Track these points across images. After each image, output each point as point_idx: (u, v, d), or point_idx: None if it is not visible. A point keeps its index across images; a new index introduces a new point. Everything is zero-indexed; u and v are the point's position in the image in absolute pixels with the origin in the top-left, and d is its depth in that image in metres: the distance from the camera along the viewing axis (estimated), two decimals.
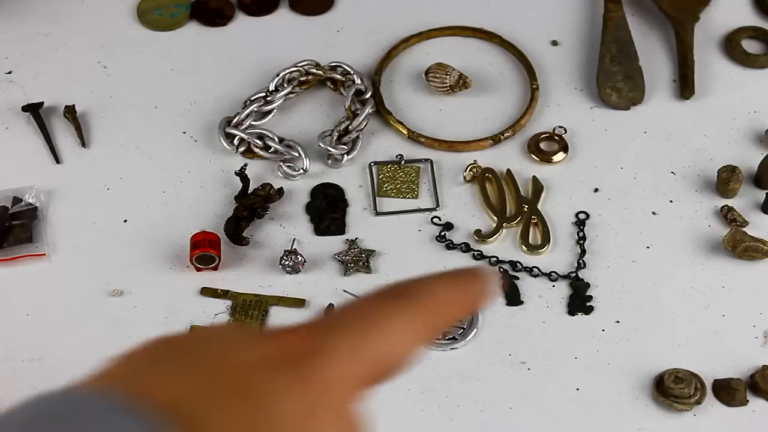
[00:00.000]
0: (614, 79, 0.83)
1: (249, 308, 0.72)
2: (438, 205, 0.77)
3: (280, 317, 0.72)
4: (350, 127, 0.80)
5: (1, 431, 0.31)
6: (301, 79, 0.83)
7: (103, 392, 0.32)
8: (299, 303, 0.72)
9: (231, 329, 0.36)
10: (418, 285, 0.40)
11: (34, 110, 0.81)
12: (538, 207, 0.77)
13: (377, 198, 0.78)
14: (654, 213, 0.77)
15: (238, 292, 0.73)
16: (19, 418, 0.31)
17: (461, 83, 0.82)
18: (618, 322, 0.72)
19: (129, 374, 0.33)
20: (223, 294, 0.72)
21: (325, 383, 0.36)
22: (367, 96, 0.82)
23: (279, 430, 0.33)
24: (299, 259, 0.73)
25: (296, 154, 0.79)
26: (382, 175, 0.79)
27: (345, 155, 0.79)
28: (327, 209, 0.77)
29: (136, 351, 0.33)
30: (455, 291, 0.41)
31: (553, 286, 0.73)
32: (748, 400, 0.68)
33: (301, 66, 0.82)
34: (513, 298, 0.73)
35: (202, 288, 0.73)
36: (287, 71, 0.82)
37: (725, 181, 0.76)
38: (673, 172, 0.79)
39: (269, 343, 0.35)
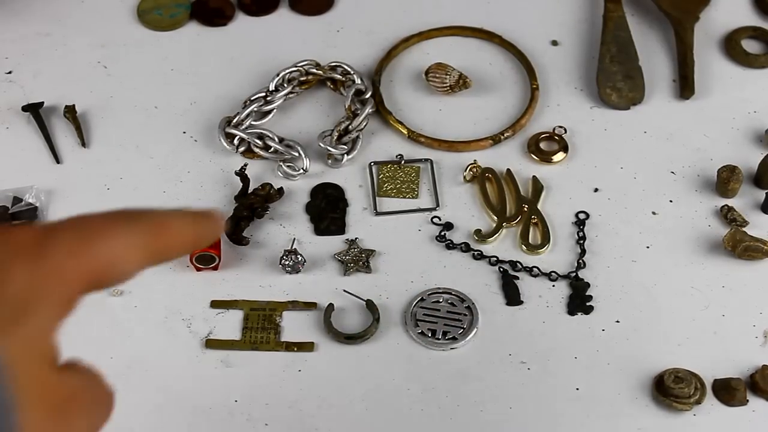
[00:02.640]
0: (614, 79, 0.83)
1: (259, 318, 0.72)
2: (438, 205, 0.77)
3: (289, 320, 0.72)
4: (350, 127, 0.80)
5: None
6: (301, 79, 0.83)
7: None
8: (311, 306, 0.72)
9: None
10: (152, 213, 0.47)
11: (34, 110, 0.81)
12: (538, 207, 0.77)
13: (377, 198, 0.78)
14: (654, 213, 0.77)
15: (247, 300, 0.72)
16: None
17: (461, 83, 0.82)
18: (618, 321, 0.72)
19: None
20: (234, 303, 0.72)
21: (49, 271, 0.42)
22: (367, 96, 0.82)
23: (6, 297, 0.40)
24: (299, 259, 0.73)
25: (296, 154, 0.79)
26: (382, 175, 0.79)
27: (345, 155, 0.79)
28: (327, 209, 0.77)
29: None
30: (185, 225, 0.48)
31: (553, 285, 0.73)
32: (748, 400, 0.68)
33: (301, 66, 0.83)
34: (513, 297, 0.73)
35: (212, 301, 0.72)
36: (287, 71, 0.82)
37: (725, 180, 0.76)
38: (673, 172, 0.79)
39: (12, 231, 0.42)
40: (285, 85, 0.82)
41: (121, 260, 0.46)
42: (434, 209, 0.77)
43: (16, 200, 0.77)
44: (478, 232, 0.75)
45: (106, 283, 0.46)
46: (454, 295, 0.72)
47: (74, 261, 0.44)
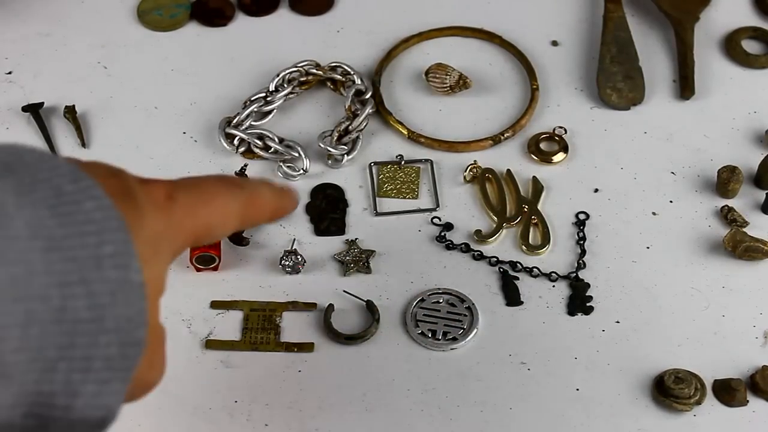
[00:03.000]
0: (614, 80, 0.83)
1: (259, 319, 0.72)
2: (438, 206, 0.77)
3: (289, 320, 0.72)
4: (350, 127, 0.80)
5: None
6: (301, 79, 0.83)
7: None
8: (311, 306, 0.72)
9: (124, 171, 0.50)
10: (246, 182, 0.56)
11: (34, 110, 0.81)
12: (538, 207, 0.77)
13: (377, 198, 0.78)
14: (654, 213, 0.77)
15: (247, 300, 0.72)
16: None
17: (461, 83, 0.82)
18: (618, 322, 0.72)
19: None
20: (234, 304, 0.72)
21: (173, 224, 0.50)
22: (367, 96, 0.82)
23: (145, 236, 0.47)
24: (299, 260, 0.73)
25: (296, 155, 0.79)
26: (382, 176, 0.79)
27: (345, 155, 0.79)
28: (327, 209, 0.77)
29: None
30: (272, 197, 0.57)
31: (553, 286, 0.73)
32: (748, 401, 0.68)
33: (301, 66, 0.83)
34: (513, 298, 0.73)
35: (212, 301, 0.72)
36: (287, 71, 0.82)
37: (725, 181, 0.76)
38: (673, 172, 0.79)
39: (149, 183, 0.50)
40: (285, 85, 0.82)
41: (221, 223, 0.53)
42: (434, 210, 0.77)
43: None
44: (478, 232, 0.75)
45: (204, 241, 0.54)
46: (454, 295, 0.72)
47: (190, 219, 0.51)
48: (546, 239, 0.75)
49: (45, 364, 0.43)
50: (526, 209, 0.76)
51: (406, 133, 0.81)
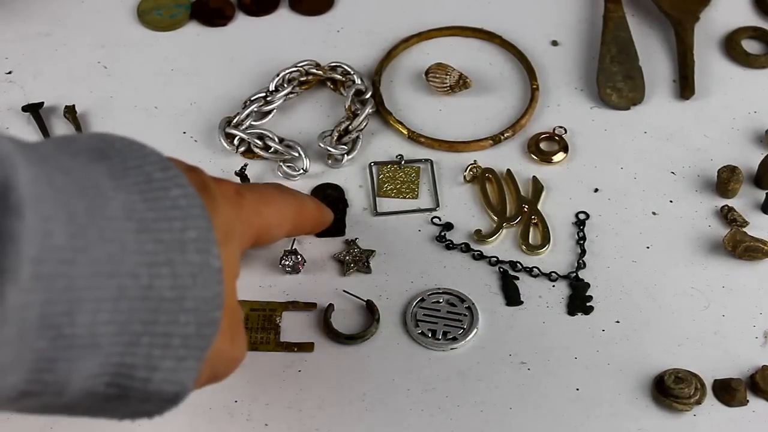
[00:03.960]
0: (614, 79, 0.83)
1: (259, 318, 0.72)
2: (438, 206, 0.77)
3: (289, 320, 0.72)
4: (350, 127, 0.80)
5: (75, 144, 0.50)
6: (301, 79, 0.83)
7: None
8: (310, 306, 0.72)
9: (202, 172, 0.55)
10: (295, 192, 0.64)
11: (34, 110, 0.81)
12: (538, 207, 0.77)
13: (377, 198, 0.78)
14: (654, 213, 0.77)
15: (247, 300, 0.72)
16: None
17: (461, 83, 0.82)
18: (618, 322, 0.72)
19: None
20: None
21: (242, 218, 0.55)
22: (367, 96, 0.82)
23: (219, 221, 0.52)
24: (299, 260, 0.73)
25: (296, 154, 0.79)
26: (382, 175, 0.79)
27: (345, 155, 0.79)
28: None
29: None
30: (314, 209, 0.65)
31: (553, 286, 0.73)
32: (748, 400, 0.68)
33: (301, 66, 0.83)
34: (513, 298, 0.73)
35: None
36: (287, 71, 0.82)
37: (725, 181, 0.76)
38: (673, 172, 0.79)
39: (220, 180, 0.56)
40: (285, 85, 0.82)
41: (278, 224, 0.59)
42: (434, 209, 0.77)
43: None
44: (478, 232, 0.75)
45: (263, 242, 0.58)
46: (454, 295, 0.72)
47: (256, 218, 0.56)
48: (546, 239, 0.75)
49: (130, 337, 0.46)
50: (526, 209, 0.77)
51: (406, 133, 0.81)
